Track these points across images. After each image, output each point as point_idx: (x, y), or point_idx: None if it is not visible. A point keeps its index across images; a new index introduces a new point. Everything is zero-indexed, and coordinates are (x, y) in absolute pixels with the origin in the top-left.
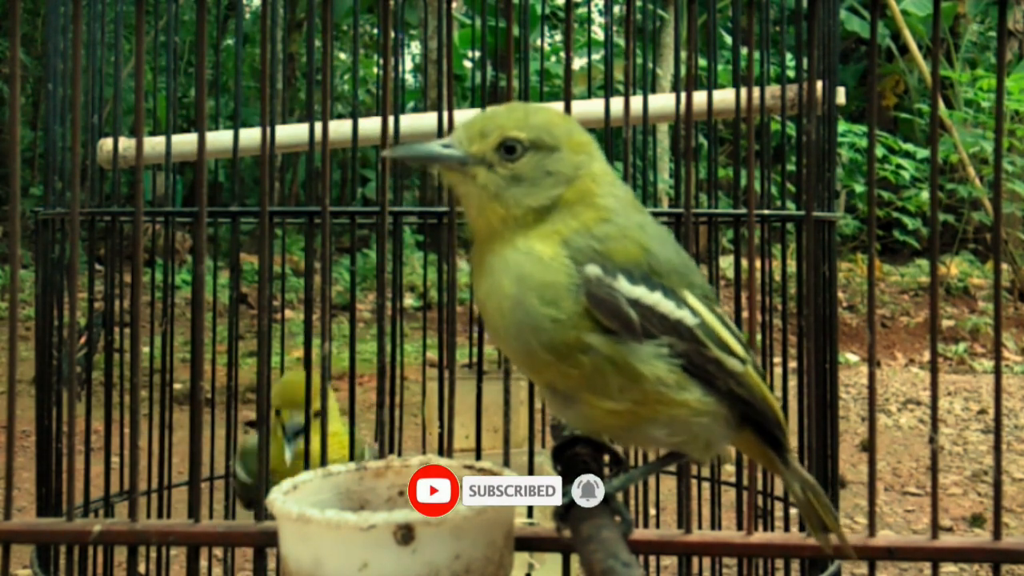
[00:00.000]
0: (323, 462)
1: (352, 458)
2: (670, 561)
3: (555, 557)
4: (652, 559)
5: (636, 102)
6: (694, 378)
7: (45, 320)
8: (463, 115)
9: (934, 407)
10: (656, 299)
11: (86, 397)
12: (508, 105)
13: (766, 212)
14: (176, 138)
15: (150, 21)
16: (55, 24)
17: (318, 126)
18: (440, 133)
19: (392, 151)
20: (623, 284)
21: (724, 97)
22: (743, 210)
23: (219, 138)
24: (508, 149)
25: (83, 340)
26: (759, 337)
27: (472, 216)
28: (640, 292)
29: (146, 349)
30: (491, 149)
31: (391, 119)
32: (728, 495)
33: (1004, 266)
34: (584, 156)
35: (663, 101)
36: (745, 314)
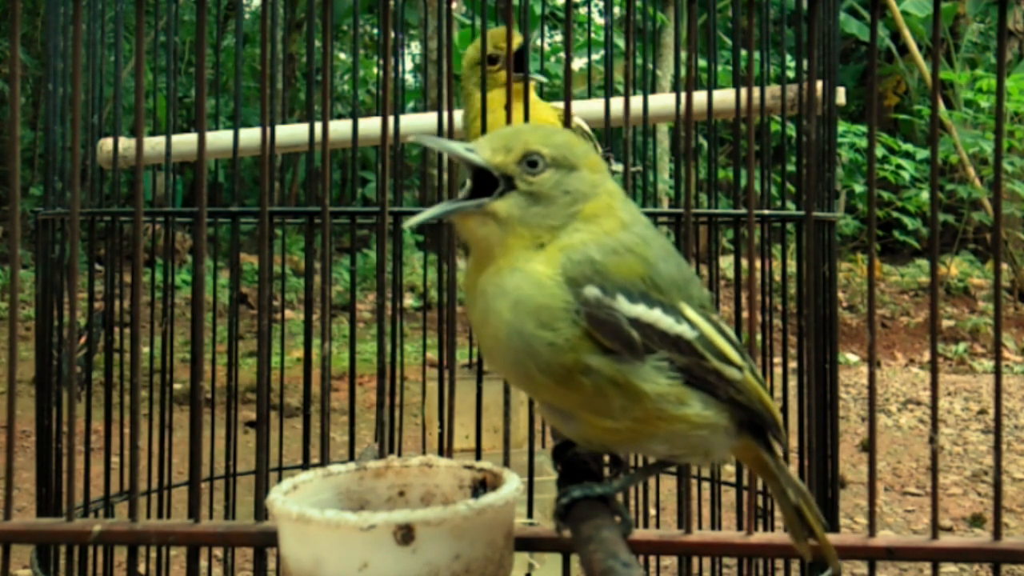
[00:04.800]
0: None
1: None
2: (670, 561)
3: (555, 557)
4: (652, 559)
5: (636, 102)
6: (695, 390)
7: (45, 320)
8: (463, 115)
9: (934, 407)
10: (656, 316)
11: (86, 397)
12: (529, 124)
13: (766, 212)
14: (176, 138)
15: (150, 21)
16: (55, 24)
17: (318, 126)
18: (440, 133)
19: (418, 137)
20: (623, 304)
21: (724, 97)
22: (743, 210)
23: (219, 138)
24: (531, 163)
25: (83, 340)
26: (759, 337)
27: (487, 245)
28: (640, 310)
29: (146, 349)
30: (514, 162)
31: (391, 119)
32: (728, 495)
33: (1004, 266)
34: (600, 175)
35: (663, 101)
36: (745, 314)
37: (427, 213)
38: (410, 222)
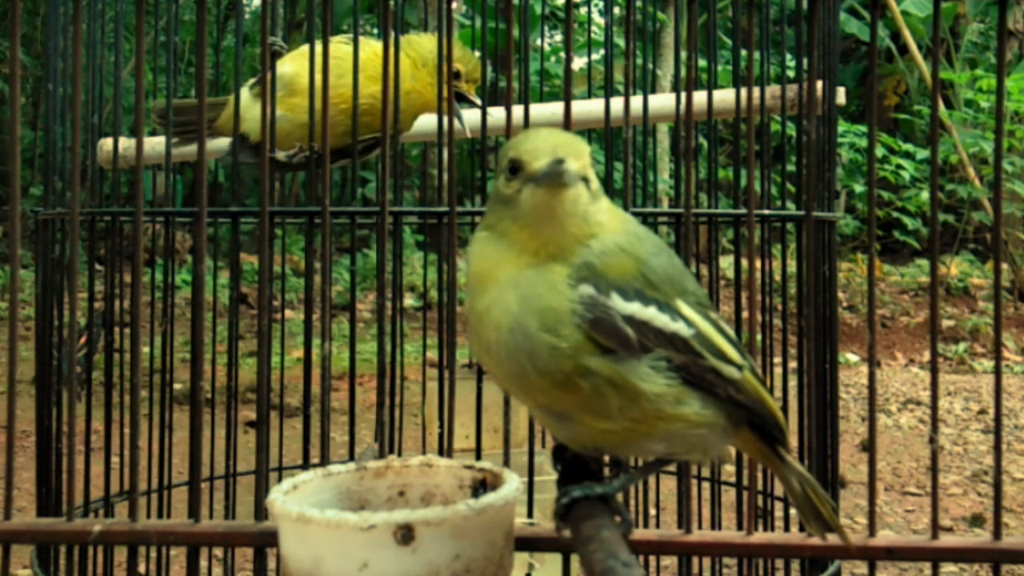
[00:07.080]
0: None
1: None
2: (670, 561)
3: (555, 557)
4: (652, 559)
5: (636, 102)
6: (693, 389)
7: (45, 320)
8: (463, 115)
9: (934, 407)
10: (651, 314)
11: (86, 397)
12: (552, 130)
13: (766, 212)
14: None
15: (150, 21)
16: (55, 24)
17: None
18: (440, 133)
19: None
20: (617, 302)
21: (724, 97)
22: (743, 210)
23: (219, 138)
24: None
25: (83, 340)
26: (759, 337)
27: (543, 231)
28: (634, 308)
29: (146, 349)
30: (588, 165)
31: (391, 119)
32: (728, 495)
33: (1004, 266)
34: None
35: (663, 101)
36: (745, 314)
37: (549, 165)
38: (541, 166)
